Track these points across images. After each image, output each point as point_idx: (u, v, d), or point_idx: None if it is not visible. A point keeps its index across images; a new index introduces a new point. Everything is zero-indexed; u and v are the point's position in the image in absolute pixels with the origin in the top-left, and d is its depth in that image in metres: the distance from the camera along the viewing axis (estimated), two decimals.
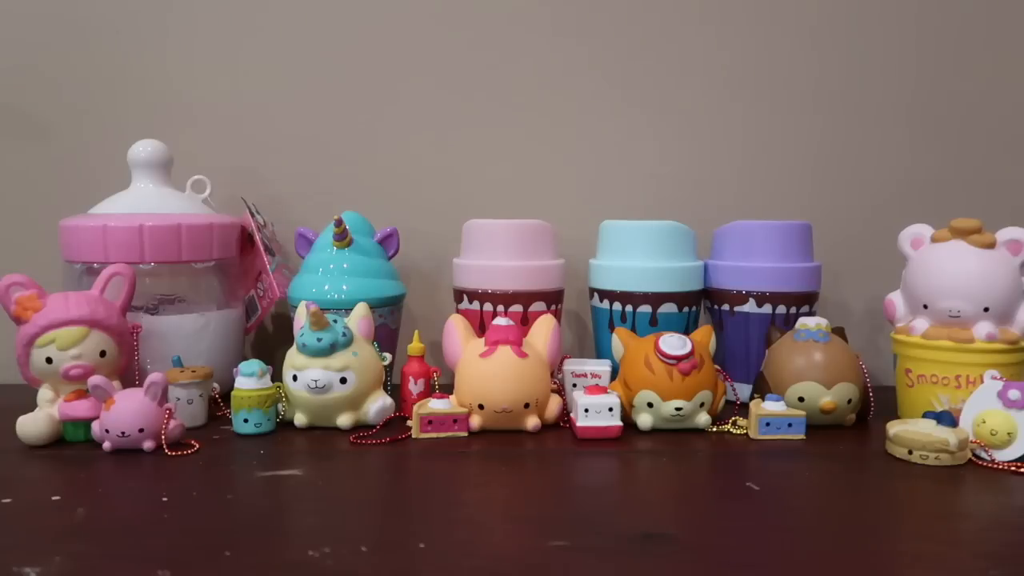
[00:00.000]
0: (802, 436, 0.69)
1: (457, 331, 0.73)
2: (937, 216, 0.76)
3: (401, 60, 0.94)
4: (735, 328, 0.82)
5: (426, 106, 0.94)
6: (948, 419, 0.63)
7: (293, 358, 0.70)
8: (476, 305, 0.82)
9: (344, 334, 0.69)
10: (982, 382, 0.66)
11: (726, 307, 0.83)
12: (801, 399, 0.71)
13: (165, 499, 0.54)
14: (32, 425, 0.66)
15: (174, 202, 0.80)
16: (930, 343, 0.70)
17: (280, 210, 0.93)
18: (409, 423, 0.72)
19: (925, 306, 0.71)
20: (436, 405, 0.70)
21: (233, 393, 0.70)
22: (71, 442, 0.67)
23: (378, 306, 0.78)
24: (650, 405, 0.70)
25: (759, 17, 0.94)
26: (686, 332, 0.79)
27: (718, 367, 0.74)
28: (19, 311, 0.67)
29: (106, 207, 0.79)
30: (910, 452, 0.63)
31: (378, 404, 0.71)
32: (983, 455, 0.63)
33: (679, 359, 0.69)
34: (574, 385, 0.77)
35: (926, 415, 0.65)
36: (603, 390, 0.70)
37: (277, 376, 0.72)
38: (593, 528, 0.50)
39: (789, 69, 0.94)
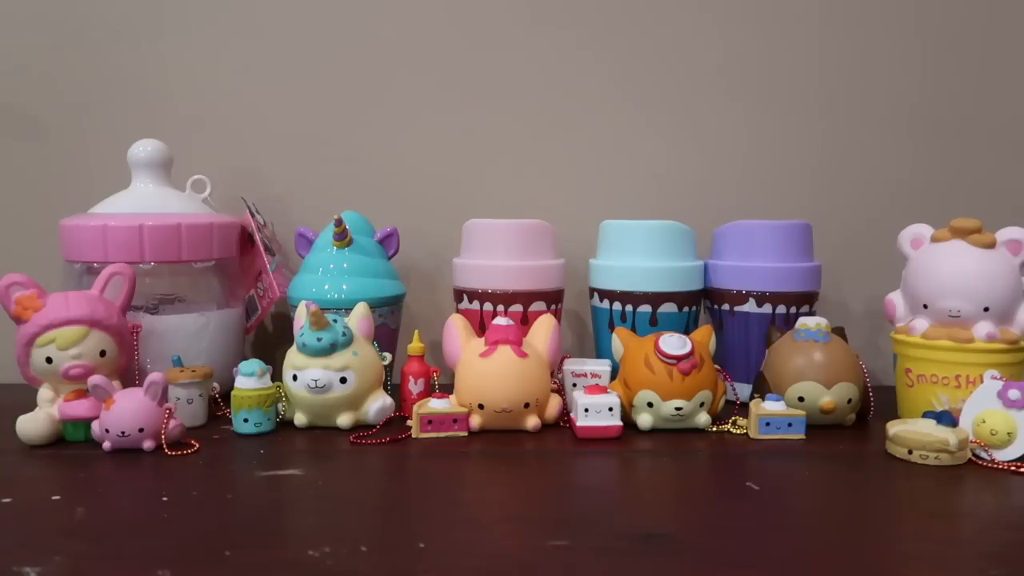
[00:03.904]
0: (802, 436, 0.69)
1: (457, 331, 0.73)
2: (937, 216, 0.76)
3: (401, 60, 0.94)
4: (735, 328, 0.82)
5: (426, 106, 0.94)
6: (948, 419, 0.63)
7: (293, 358, 0.70)
8: (476, 305, 0.82)
9: (344, 334, 0.69)
10: (982, 382, 0.66)
11: (726, 307, 0.83)
12: (801, 399, 0.71)
13: (165, 499, 0.54)
14: (32, 425, 0.66)
15: (174, 202, 0.80)
16: (930, 343, 0.70)
17: (280, 210, 0.93)
18: (409, 423, 0.72)
19: (925, 306, 0.71)
20: (436, 405, 0.70)
21: (233, 393, 0.70)
22: (71, 442, 0.67)
23: (378, 306, 0.78)
24: (650, 405, 0.70)
25: (760, 17, 0.94)
26: (686, 332, 0.79)
27: (718, 367, 0.74)
28: (19, 311, 0.67)
29: (106, 207, 0.79)
30: (910, 452, 0.63)
31: (378, 404, 0.71)
32: (983, 455, 0.63)
33: (679, 359, 0.69)
34: (574, 385, 0.77)
35: (926, 415, 0.65)
36: (603, 390, 0.70)
37: (277, 376, 0.72)
38: (593, 528, 0.50)
39: (790, 69, 0.94)
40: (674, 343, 0.70)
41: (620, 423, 0.68)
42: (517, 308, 0.81)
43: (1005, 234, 0.69)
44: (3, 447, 0.66)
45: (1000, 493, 0.57)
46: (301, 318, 0.71)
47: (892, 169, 0.95)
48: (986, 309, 0.68)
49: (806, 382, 0.71)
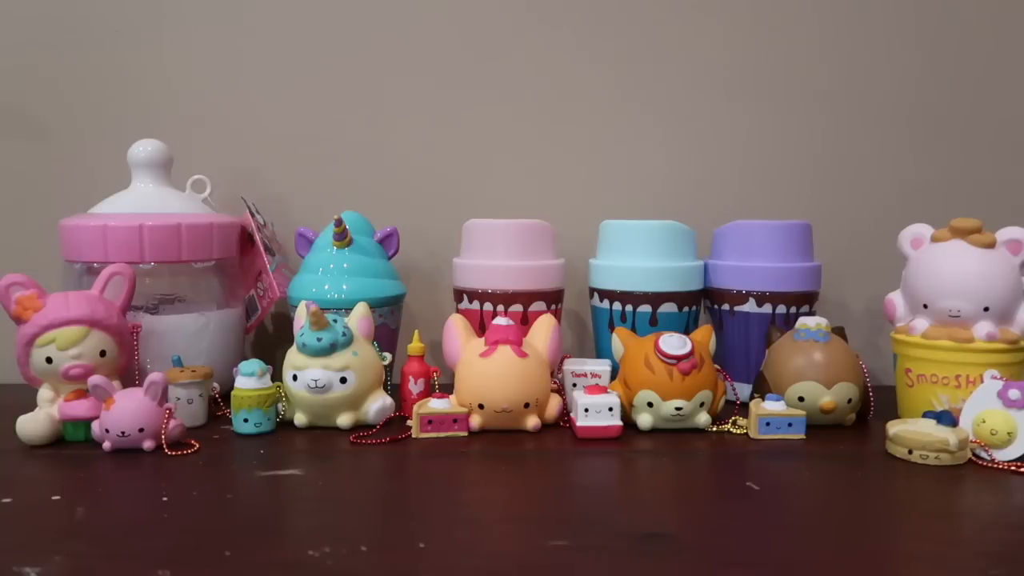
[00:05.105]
0: (802, 436, 0.69)
1: (457, 331, 0.73)
2: (937, 216, 0.76)
3: (401, 60, 0.94)
4: (735, 328, 0.82)
5: (426, 106, 0.94)
6: (948, 419, 0.63)
7: (293, 358, 0.70)
8: (476, 305, 0.82)
9: (344, 334, 0.69)
10: (982, 382, 0.66)
11: (726, 307, 0.83)
12: (801, 399, 0.71)
13: (165, 499, 0.54)
14: (32, 425, 0.66)
15: (174, 202, 0.80)
16: (930, 343, 0.70)
17: (280, 210, 0.93)
18: (409, 423, 0.72)
19: (925, 306, 0.71)
20: (436, 405, 0.70)
21: (233, 393, 0.70)
22: (71, 442, 0.67)
23: (378, 306, 0.78)
24: (650, 405, 0.70)
25: (760, 17, 0.94)
26: (686, 332, 0.79)
27: (718, 367, 0.74)
28: (19, 311, 0.67)
29: (106, 207, 0.79)
30: (910, 452, 0.63)
31: (378, 404, 0.71)
32: (983, 455, 0.63)
33: (679, 359, 0.69)
34: (574, 385, 0.77)
35: (926, 415, 0.65)
36: (603, 390, 0.70)
37: (277, 376, 0.72)
38: (593, 528, 0.50)
39: (789, 69, 0.94)
40: (674, 343, 0.70)
41: (620, 423, 0.68)
42: (517, 308, 0.81)
43: (1005, 234, 0.69)
44: (3, 447, 0.66)
45: (1000, 493, 0.57)
46: (301, 318, 0.71)
47: (892, 169, 0.95)
48: (986, 309, 0.68)
49: (806, 382, 0.71)
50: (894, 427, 0.65)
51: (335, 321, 0.70)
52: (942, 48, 0.94)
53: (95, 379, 0.64)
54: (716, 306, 0.84)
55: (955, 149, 0.95)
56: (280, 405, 0.72)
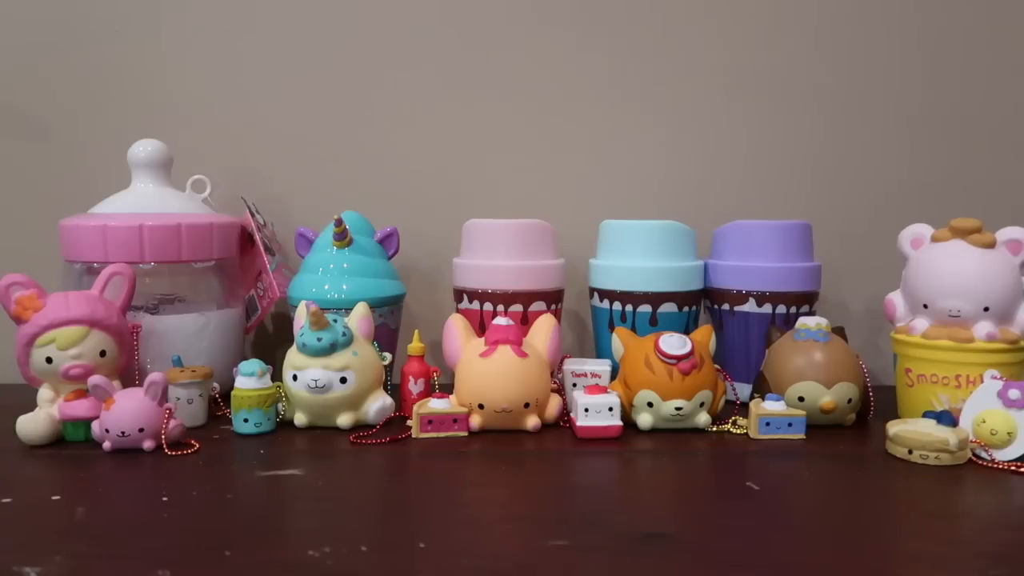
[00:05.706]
0: (802, 436, 0.69)
1: (457, 331, 0.73)
2: (937, 216, 0.76)
3: (401, 60, 0.94)
4: (735, 328, 0.82)
5: (426, 106, 0.94)
6: (948, 419, 0.63)
7: (293, 358, 0.70)
8: (476, 305, 0.82)
9: (344, 334, 0.69)
10: (982, 382, 0.66)
11: (726, 307, 0.83)
12: (801, 399, 0.71)
13: (165, 499, 0.54)
14: (32, 425, 0.66)
15: (174, 202, 0.80)
16: (930, 343, 0.70)
17: (280, 210, 0.93)
18: (409, 423, 0.72)
19: (925, 306, 0.71)
20: (436, 405, 0.70)
21: (233, 393, 0.70)
22: (71, 442, 0.67)
23: (378, 306, 0.78)
24: (650, 405, 0.70)
25: (760, 17, 0.94)
26: (686, 332, 0.79)
27: (718, 367, 0.74)
28: (19, 311, 0.67)
29: (106, 207, 0.79)
30: (910, 452, 0.63)
31: (378, 404, 0.71)
32: (983, 455, 0.63)
33: (679, 359, 0.69)
34: (574, 385, 0.77)
35: (926, 415, 0.65)
36: (603, 390, 0.70)
37: (277, 376, 0.72)
38: (593, 528, 0.50)
39: (790, 69, 0.94)
40: (674, 343, 0.70)
41: (620, 423, 0.68)
42: (517, 308, 0.81)
43: (1005, 234, 0.69)
44: (3, 447, 0.66)
45: (1000, 493, 0.57)
46: (301, 318, 0.71)
47: (892, 169, 0.95)
48: (986, 309, 0.68)
49: (806, 382, 0.71)
50: (894, 427, 0.65)
51: (335, 321, 0.70)
52: (942, 48, 0.94)
53: (95, 379, 0.64)
54: (716, 306, 0.84)
55: (955, 149, 0.95)
56: (280, 405, 0.72)
